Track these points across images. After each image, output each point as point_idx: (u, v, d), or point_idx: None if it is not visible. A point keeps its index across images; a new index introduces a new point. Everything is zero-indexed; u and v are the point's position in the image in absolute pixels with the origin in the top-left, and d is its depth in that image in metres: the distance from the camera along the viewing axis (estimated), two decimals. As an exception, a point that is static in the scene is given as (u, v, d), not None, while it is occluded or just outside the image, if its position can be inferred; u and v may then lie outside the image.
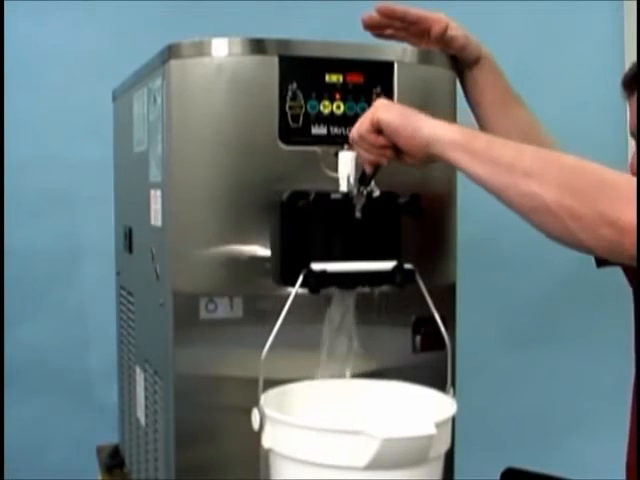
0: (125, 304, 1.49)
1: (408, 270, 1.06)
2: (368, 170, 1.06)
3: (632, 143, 1.26)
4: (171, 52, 1.10)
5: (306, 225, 1.07)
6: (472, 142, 0.96)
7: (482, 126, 1.29)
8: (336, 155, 1.08)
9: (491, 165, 0.94)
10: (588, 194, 0.88)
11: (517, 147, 0.97)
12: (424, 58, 1.18)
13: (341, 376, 1.11)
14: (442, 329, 1.07)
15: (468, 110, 1.30)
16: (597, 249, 0.90)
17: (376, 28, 1.23)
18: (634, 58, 2.05)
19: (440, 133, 0.98)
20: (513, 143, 0.99)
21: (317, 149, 1.12)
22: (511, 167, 0.93)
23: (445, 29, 1.21)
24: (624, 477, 1.27)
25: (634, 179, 0.89)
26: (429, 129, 0.99)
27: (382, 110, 1.02)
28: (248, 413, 0.99)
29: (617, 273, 1.24)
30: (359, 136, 1.03)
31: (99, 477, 1.57)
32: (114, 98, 1.56)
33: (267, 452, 0.99)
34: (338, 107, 1.13)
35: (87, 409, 1.96)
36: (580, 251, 0.92)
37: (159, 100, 1.15)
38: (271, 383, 1.02)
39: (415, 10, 1.22)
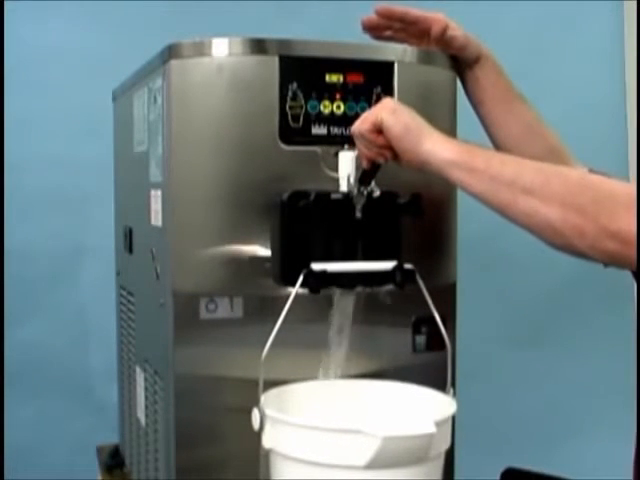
0: (125, 304, 1.49)
1: (408, 270, 1.06)
2: (365, 166, 1.06)
3: None
4: (171, 52, 1.10)
5: (306, 225, 1.07)
6: (471, 161, 0.96)
7: (485, 124, 1.29)
8: (336, 155, 1.09)
9: (491, 183, 0.94)
10: (590, 210, 0.88)
11: (517, 163, 0.96)
12: (424, 58, 1.18)
13: (341, 376, 1.12)
14: (442, 329, 1.07)
15: (468, 110, 1.30)
16: (601, 260, 0.90)
17: (375, 30, 1.23)
18: (634, 58, 2.06)
19: (438, 153, 0.98)
20: (513, 158, 0.99)
21: (317, 149, 1.12)
22: (511, 184, 0.92)
23: (445, 29, 1.20)
24: (624, 477, 1.26)
25: (632, 187, 0.89)
26: (428, 148, 0.99)
27: (387, 112, 1.02)
28: (248, 413, 0.99)
29: (618, 273, 1.24)
30: (359, 133, 1.04)
31: (99, 477, 1.57)
32: (114, 98, 1.56)
33: (267, 452, 0.99)
34: (338, 107, 1.13)
35: (87, 409, 1.95)
36: (583, 259, 0.92)
37: (159, 100, 1.15)
38: (271, 383, 1.02)
39: (414, 10, 1.22)
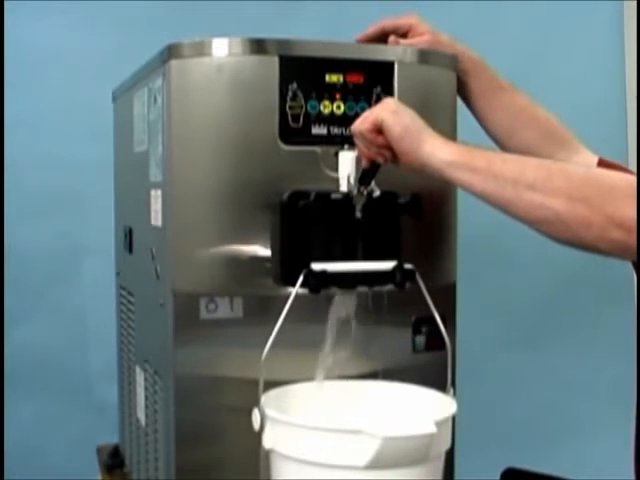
0: (125, 304, 1.49)
1: (408, 270, 1.06)
2: (365, 165, 1.06)
3: None
4: (171, 52, 1.10)
5: (306, 225, 1.07)
6: (471, 161, 0.97)
7: (476, 119, 1.30)
8: (336, 155, 1.09)
9: (494, 181, 0.95)
10: (595, 201, 0.89)
11: (519, 161, 0.97)
12: (424, 58, 1.18)
13: (341, 377, 1.12)
14: (442, 329, 1.07)
15: (468, 110, 1.30)
16: (608, 251, 0.91)
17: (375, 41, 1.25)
18: (634, 58, 2.06)
19: (438, 155, 0.98)
20: (514, 156, 1.00)
21: (317, 149, 1.12)
22: (515, 181, 0.93)
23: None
24: (625, 477, 1.26)
25: (633, 177, 0.90)
26: (427, 150, 0.99)
27: (388, 113, 1.02)
28: (248, 413, 0.99)
29: (618, 272, 1.24)
30: (359, 132, 1.04)
31: (99, 477, 1.57)
32: (114, 98, 1.56)
33: (267, 452, 0.99)
34: (338, 107, 1.13)
35: (87, 409, 1.95)
36: (587, 252, 0.93)
37: (159, 100, 1.15)
38: (271, 383, 1.02)
39: (388, 21, 1.24)
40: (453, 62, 1.22)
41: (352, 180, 1.07)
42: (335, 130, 1.13)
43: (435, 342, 1.13)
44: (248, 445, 1.00)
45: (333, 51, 1.13)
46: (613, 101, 2.18)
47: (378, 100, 1.11)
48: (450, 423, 0.99)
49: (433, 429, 0.91)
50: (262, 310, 1.11)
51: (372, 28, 1.24)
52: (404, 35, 1.24)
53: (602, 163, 1.24)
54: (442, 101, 1.20)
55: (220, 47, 1.09)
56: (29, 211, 1.91)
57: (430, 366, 1.14)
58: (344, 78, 1.13)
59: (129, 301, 1.45)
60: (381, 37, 1.24)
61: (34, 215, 1.91)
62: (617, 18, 2.17)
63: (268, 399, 1.00)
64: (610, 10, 2.17)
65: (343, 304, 1.09)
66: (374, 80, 1.14)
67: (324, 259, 1.05)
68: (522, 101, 1.29)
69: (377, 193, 1.07)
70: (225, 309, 1.12)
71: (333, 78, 1.12)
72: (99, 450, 1.63)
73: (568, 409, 2.18)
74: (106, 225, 1.59)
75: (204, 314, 1.12)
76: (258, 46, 1.10)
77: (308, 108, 1.11)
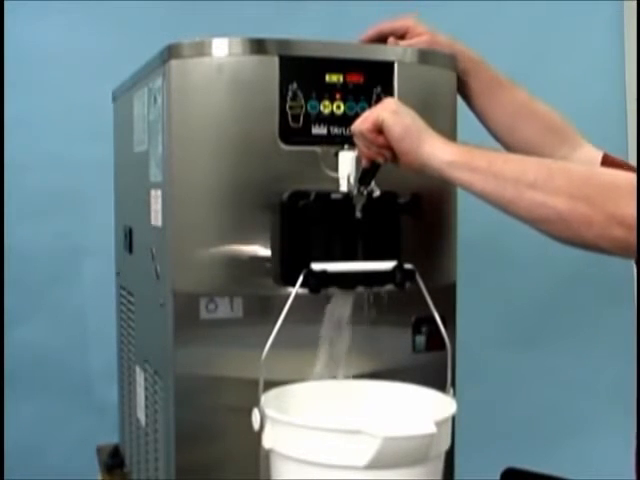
0: (125, 304, 1.49)
1: (408, 270, 1.06)
2: (365, 165, 1.06)
3: None
4: (171, 52, 1.10)
5: (306, 225, 1.07)
6: (471, 161, 0.97)
7: (477, 117, 1.30)
8: (336, 155, 1.09)
9: (495, 180, 0.95)
10: (597, 199, 0.90)
11: (519, 160, 0.98)
12: (424, 58, 1.18)
13: (340, 376, 1.11)
14: (442, 329, 1.07)
15: (468, 110, 1.30)
16: (609, 249, 0.91)
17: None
18: (634, 58, 2.06)
19: (438, 155, 0.99)
20: (515, 156, 1.01)
21: (317, 149, 1.12)
22: (516, 181, 0.94)
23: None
24: (625, 477, 1.26)
25: (632, 175, 0.90)
26: (427, 150, 0.99)
27: (388, 113, 1.02)
28: (248, 413, 0.99)
29: (617, 273, 1.24)
30: (360, 132, 1.04)
31: (99, 477, 1.57)
32: (114, 98, 1.56)
33: (267, 452, 0.99)
34: (338, 107, 1.13)
35: (87, 409, 1.96)
36: (588, 251, 0.93)
37: (159, 100, 1.15)
38: (271, 383, 1.02)
39: (385, 25, 1.24)
40: (453, 62, 1.22)
41: (352, 180, 1.07)
42: (335, 130, 1.13)
43: (435, 342, 1.14)
44: (248, 445, 1.00)
45: (333, 51, 1.13)
46: (613, 101, 2.18)
47: (378, 100, 1.11)
48: (450, 423, 0.99)
49: (433, 429, 0.91)
50: (262, 310, 1.11)
51: (370, 31, 1.25)
52: (402, 37, 1.24)
53: (606, 158, 1.24)
54: (442, 101, 1.21)
55: (220, 47, 1.09)
56: (29, 211, 1.91)
57: (430, 366, 1.14)
58: (344, 78, 1.13)
59: (129, 301, 1.45)
60: (380, 40, 1.24)
61: (34, 215, 1.92)
62: (617, 18, 2.17)
63: (268, 399, 1.00)
64: (610, 10, 2.17)
65: (341, 304, 1.09)
66: (374, 80, 1.14)
67: (324, 259, 1.05)
68: (522, 98, 1.30)
69: (377, 193, 1.07)
70: (225, 309, 1.12)
71: (333, 78, 1.12)
72: (99, 450, 1.63)
73: (568, 409, 2.18)
74: (106, 225, 1.59)
75: (204, 314, 1.12)
76: (258, 46, 1.10)
77: (308, 108, 1.11)
